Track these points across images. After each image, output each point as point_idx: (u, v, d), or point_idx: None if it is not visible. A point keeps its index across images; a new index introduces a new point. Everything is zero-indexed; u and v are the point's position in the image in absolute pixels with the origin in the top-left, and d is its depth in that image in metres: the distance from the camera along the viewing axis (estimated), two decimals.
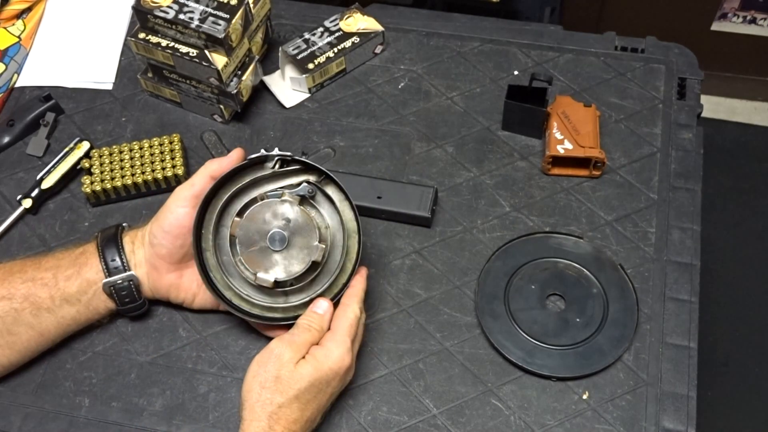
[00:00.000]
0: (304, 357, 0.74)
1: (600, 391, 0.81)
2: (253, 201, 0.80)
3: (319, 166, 0.79)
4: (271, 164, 0.80)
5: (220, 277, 0.81)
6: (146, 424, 0.81)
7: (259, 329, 0.83)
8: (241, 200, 0.80)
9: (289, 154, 0.79)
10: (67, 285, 0.79)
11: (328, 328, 0.77)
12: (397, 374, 0.83)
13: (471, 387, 0.81)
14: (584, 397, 0.80)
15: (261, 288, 0.80)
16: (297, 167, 0.80)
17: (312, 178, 0.80)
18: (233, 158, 0.81)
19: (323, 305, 0.78)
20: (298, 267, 0.78)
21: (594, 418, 0.79)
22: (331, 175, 0.79)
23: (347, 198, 0.79)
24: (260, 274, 0.79)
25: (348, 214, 0.80)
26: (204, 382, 0.83)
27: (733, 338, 1.63)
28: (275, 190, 0.80)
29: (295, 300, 0.80)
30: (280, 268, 0.79)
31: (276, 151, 0.79)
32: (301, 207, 0.78)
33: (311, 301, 0.80)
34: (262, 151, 0.79)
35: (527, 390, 0.81)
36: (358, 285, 0.79)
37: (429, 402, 0.81)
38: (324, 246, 0.78)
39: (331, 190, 0.80)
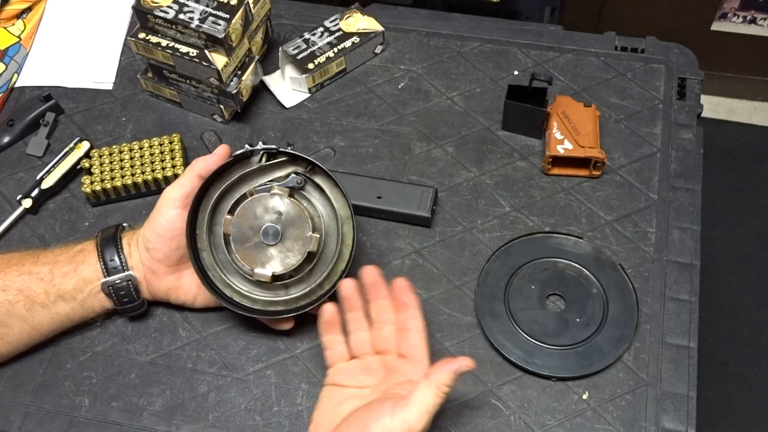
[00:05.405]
0: None
1: (600, 391, 0.81)
2: (243, 197, 0.80)
3: (305, 156, 0.79)
4: (257, 158, 0.80)
5: (219, 276, 0.81)
6: (146, 424, 0.81)
7: (266, 323, 0.83)
8: (232, 197, 0.80)
9: (274, 147, 0.79)
10: (63, 282, 0.79)
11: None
12: None
13: (471, 387, 0.81)
14: (584, 397, 0.80)
15: (260, 283, 0.80)
16: (284, 159, 0.80)
17: (300, 169, 0.80)
18: (219, 155, 0.81)
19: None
20: (294, 259, 0.78)
21: (594, 418, 0.79)
22: (318, 163, 0.79)
23: (337, 185, 0.79)
24: (257, 270, 0.79)
25: (340, 201, 0.80)
26: (204, 382, 0.83)
27: (733, 338, 1.63)
28: (264, 184, 0.80)
29: (296, 292, 0.81)
30: (277, 261, 0.79)
31: (260, 145, 0.79)
32: (292, 199, 0.78)
33: (312, 291, 0.80)
34: (247, 146, 0.79)
35: (527, 390, 0.81)
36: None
37: None
38: (318, 236, 0.79)
39: (320, 179, 0.80)
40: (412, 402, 0.67)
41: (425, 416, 0.67)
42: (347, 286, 0.75)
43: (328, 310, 0.76)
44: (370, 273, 0.75)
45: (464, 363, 0.69)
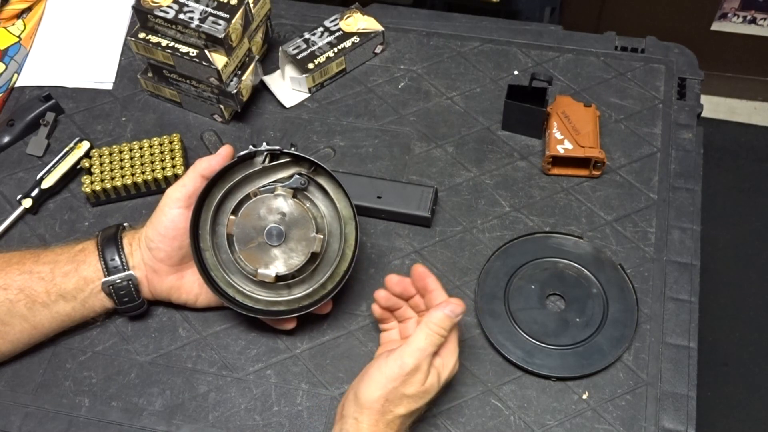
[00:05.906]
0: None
1: (600, 391, 0.81)
2: (247, 198, 0.80)
3: (308, 157, 0.79)
4: (260, 159, 0.80)
5: (221, 276, 0.81)
6: (146, 423, 0.81)
7: (268, 323, 0.83)
8: (235, 197, 0.80)
9: (277, 148, 0.80)
10: (63, 281, 0.79)
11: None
12: None
13: (471, 387, 0.81)
14: (584, 397, 0.80)
15: (263, 283, 0.80)
16: (287, 160, 0.80)
17: (303, 170, 0.80)
18: (223, 156, 0.81)
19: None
20: (297, 260, 0.79)
21: (594, 418, 0.79)
22: (321, 164, 0.79)
23: (340, 186, 0.80)
24: (261, 270, 0.79)
25: (342, 202, 0.80)
26: (204, 382, 0.83)
27: (733, 338, 1.63)
28: (268, 184, 0.80)
29: (299, 292, 0.81)
30: (280, 262, 0.79)
31: (264, 146, 0.80)
32: (295, 199, 0.79)
33: (314, 291, 0.80)
34: (251, 147, 0.79)
35: (527, 390, 0.81)
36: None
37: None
38: (321, 236, 0.79)
39: (323, 180, 0.80)
40: (406, 344, 0.72)
41: (417, 353, 0.71)
42: (382, 295, 0.78)
43: (377, 309, 0.79)
44: (394, 281, 0.78)
45: (453, 306, 0.74)
